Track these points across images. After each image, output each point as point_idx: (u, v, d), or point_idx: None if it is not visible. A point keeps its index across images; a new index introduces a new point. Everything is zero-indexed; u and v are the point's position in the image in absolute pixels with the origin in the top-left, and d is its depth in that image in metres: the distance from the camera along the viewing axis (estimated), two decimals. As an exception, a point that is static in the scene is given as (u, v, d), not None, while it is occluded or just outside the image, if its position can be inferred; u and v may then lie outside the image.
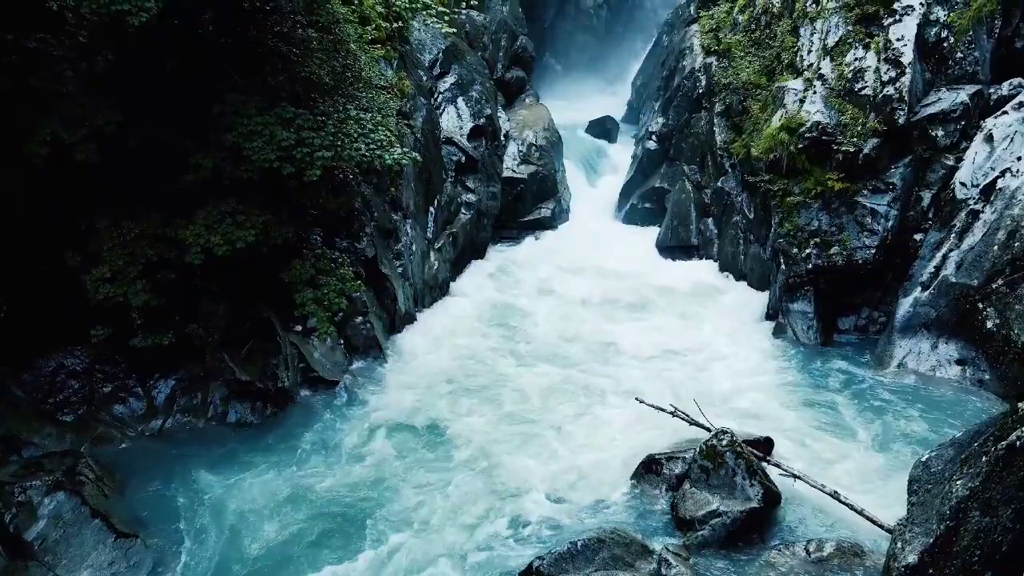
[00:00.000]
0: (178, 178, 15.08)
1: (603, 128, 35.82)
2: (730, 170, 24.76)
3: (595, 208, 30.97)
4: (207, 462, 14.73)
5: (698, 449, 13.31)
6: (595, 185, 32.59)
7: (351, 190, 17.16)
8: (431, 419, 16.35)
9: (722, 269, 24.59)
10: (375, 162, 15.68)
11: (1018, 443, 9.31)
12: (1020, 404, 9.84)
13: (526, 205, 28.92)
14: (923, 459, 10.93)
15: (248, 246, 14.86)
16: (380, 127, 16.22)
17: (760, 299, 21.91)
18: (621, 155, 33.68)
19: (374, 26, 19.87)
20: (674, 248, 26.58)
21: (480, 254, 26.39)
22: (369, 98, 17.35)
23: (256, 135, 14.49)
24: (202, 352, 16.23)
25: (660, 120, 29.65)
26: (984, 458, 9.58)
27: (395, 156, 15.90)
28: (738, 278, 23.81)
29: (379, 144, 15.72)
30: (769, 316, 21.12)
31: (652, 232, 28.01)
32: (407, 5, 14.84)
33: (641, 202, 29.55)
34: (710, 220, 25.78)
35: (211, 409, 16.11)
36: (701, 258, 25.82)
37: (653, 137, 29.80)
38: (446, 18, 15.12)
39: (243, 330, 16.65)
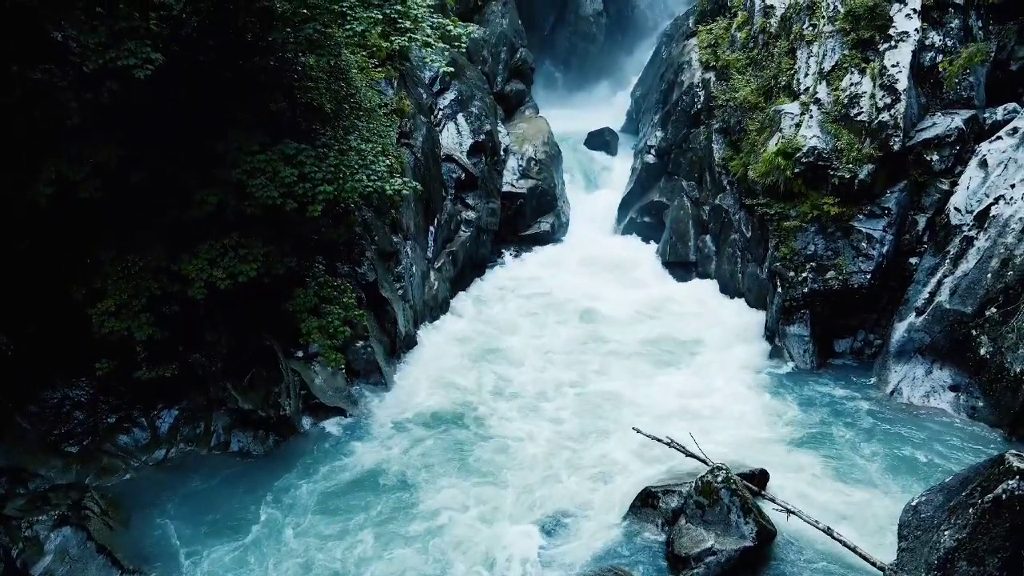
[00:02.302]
0: (182, 212, 15.27)
1: (602, 140, 35.92)
2: (728, 187, 24.88)
3: (594, 221, 31.11)
4: (210, 494, 14.93)
5: (694, 485, 13.50)
6: (594, 198, 32.65)
7: (352, 219, 17.35)
8: (423, 461, 16.20)
9: (720, 287, 24.73)
10: (376, 193, 15.88)
11: (1004, 496, 9.57)
12: (1008, 455, 10.06)
13: (526, 219, 29.10)
14: (913, 503, 11.15)
15: (250, 279, 15.09)
16: (380, 157, 16.42)
17: (757, 319, 22.04)
18: (620, 167, 33.73)
19: (375, 48, 20.08)
20: (672, 264, 26.77)
21: (480, 271, 26.56)
22: (370, 128, 17.57)
23: (259, 172, 14.70)
24: (205, 381, 16.45)
25: (659, 134, 29.78)
26: (971, 510, 9.82)
27: (396, 187, 16.11)
28: (736, 296, 23.94)
29: (380, 175, 15.92)
30: (766, 337, 21.28)
31: (651, 247, 28.23)
32: (406, 44, 15.00)
33: (640, 216, 29.72)
34: (708, 237, 25.93)
35: (214, 438, 16.32)
36: (700, 275, 25.95)
37: (652, 151, 29.93)
38: (446, 53, 15.22)
39: (245, 358, 16.86)
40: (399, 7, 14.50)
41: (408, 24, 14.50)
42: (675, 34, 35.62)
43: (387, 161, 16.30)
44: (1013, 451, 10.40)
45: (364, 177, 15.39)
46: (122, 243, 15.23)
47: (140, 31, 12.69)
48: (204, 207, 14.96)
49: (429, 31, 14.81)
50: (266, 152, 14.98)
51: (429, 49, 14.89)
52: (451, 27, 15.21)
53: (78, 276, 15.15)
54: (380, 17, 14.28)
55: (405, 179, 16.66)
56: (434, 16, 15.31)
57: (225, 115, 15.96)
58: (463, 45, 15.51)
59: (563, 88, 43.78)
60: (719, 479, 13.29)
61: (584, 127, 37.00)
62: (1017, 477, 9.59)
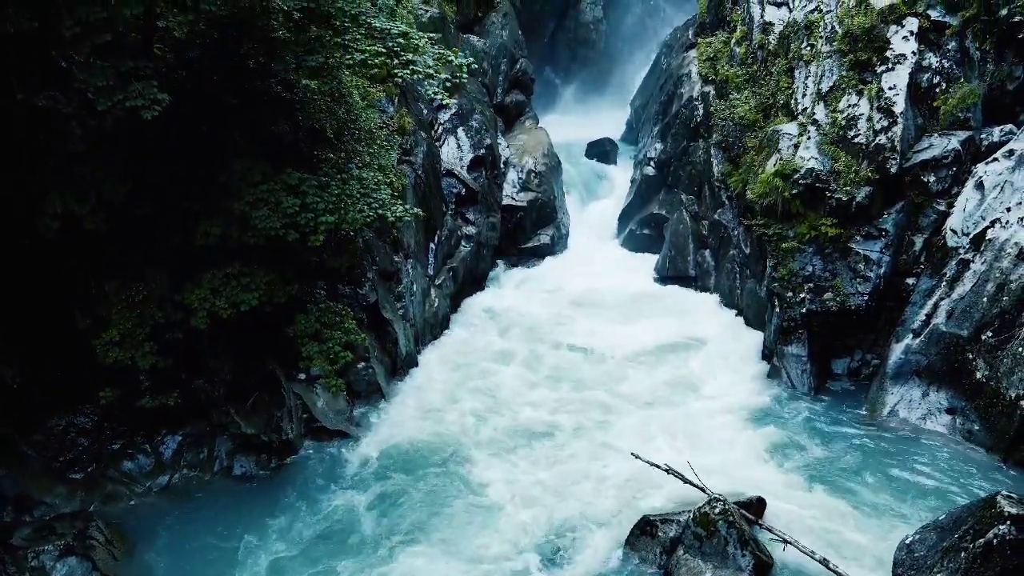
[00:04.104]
0: (185, 240, 15.42)
1: (602, 150, 36.08)
2: (727, 202, 25.04)
3: (594, 233, 31.30)
4: (213, 521, 15.08)
5: (692, 515, 13.67)
6: (594, 208, 32.84)
7: (354, 246, 17.51)
8: (420, 493, 16.09)
9: (720, 303, 24.89)
10: (377, 221, 16.05)
11: (995, 541, 9.74)
12: (999, 498, 10.22)
13: (526, 232, 29.23)
14: (907, 541, 11.33)
15: (252, 309, 15.25)
16: (382, 185, 16.55)
17: (756, 337, 22.13)
18: (620, 177, 33.88)
19: (375, 71, 20.16)
20: (671, 278, 26.98)
21: (480, 284, 26.70)
22: (370, 152, 17.73)
23: (262, 203, 14.83)
24: (208, 407, 16.60)
25: (658, 146, 29.92)
26: (963, 554, 9.99)
27: (398, 214, 16.25)
28: (734, 312, 24.11)
29: (381, 203, 16.04)
30: (764, 356, 21.42)
31: (650, 260, 28.36)
32: (408, 76, 15.15)
33: (640, 228, 29.91)
34: (707, 252, 26.11)
35: (217, 463, 16.48)
36: (699, 290, 26.15)
37: (651, 163, 30.09)
38: (448, 84, 15.38)
39: (248, 383, 17.01)
40: (401, 40, 14.64)
41: (410, 55, 14.65)
42: (675, 44, 35.71)
43: (388, 189, 16.42)
44: (1004, 492, 10.57)
45: (366, 207, 15.52)
46: (125, 270, 15.39)
47: (146, 71, 12.81)
48: (208, 237, 15.13)
49: (431, 62, 14.95)
50: (268, 182, 15.12)
51: (431, 80, 15.02)
52: (452, 58, 15.34)
53: (82, 305, 15.30)
54: (383, 50, 14.44)
55: (407, 206, 16.79)
56: (435, 47, 15.43)
57: (226, 134, 16.08)
58: (463, 76, 15.63)
59: (563, 95, 44.00)
60: (716, 510, 13.47)
61: (584, 135, 37.17)
62: (1008, 522, 9.76)
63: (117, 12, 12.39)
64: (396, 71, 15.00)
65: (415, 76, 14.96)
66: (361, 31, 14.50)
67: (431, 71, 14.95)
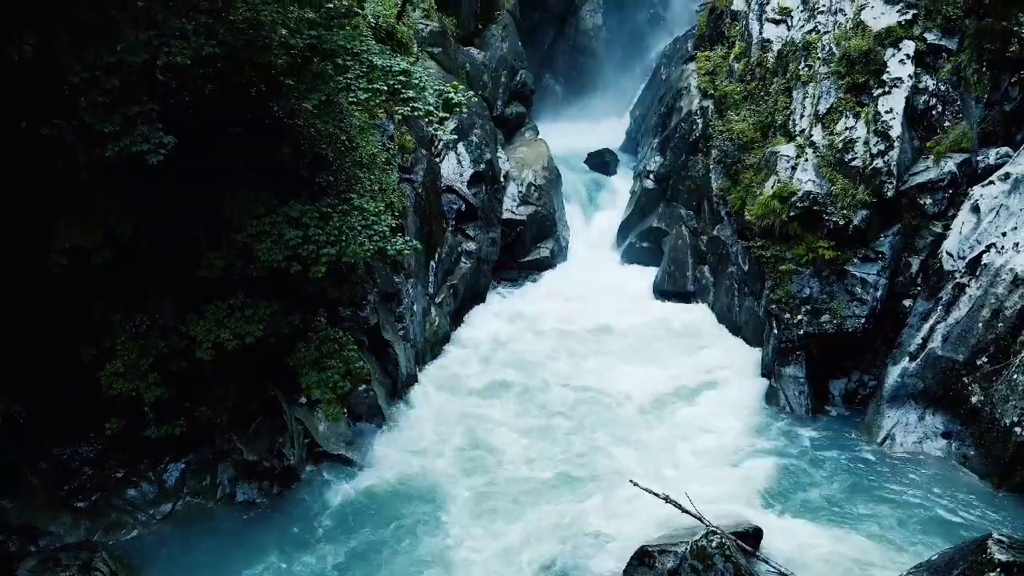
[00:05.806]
0: (189, 267, 15.56)
1: (602, 160, 36.15)
2: (726, 219, 25.17)
3: (594, 245, 31.42)
4: (216, 551, 15.25)
5: (689, 548, 13.79)
6: (594, 220, 32.89)
7: (356, 276, 17.66)
8: (397, 554, 15.73)
9: (717, 320, 25.05)
10: (377, 256, 16.20)
11: (986, 588, 9.91)
12: (990, 543, 10.39)
13: (525, 246, 29.36)
14: (900, 581, 11.49)
15: (256, 340, 15.42)
16: (382, 216, 16.70)
17: (754, 355, 22.33)
18: (620, 188, 33.95)
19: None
20: (671, 294, 27.10)
21: (480, 300, 26.83)
22: (371, 178, 17.89)
23: (265, 235, 15.00)
24: (211, 434, 16.77)
25: (658, 159, 30.03)
26: (955, 600, 10.16)
27: (397, 247, 16.41)
28: (732, 330, 24.27)
29: (382, 236, 16.19)
30: (763, 375, 21.57)
31: (650, 273, 28.46)
32: (409, 113, 15.31)
33: (639, 241, 30.02)
34: (706, 268, 26.26)
35: (220, 490, 16.64)
36: (698, 303, 26.29)
37: (651, 176, 30.21)
38: (447, 122, 15.56)
39: (250, 408, 17.17)
40: (402, 77, 14.79)
41: (411, 93, 14.79)
42: (674, 56, 35.89)
43: (388, 219, 16.57)
44: (996, 535, 10.73)
45: (366, 240, 15.67)
46: (130, 300, 15.55)
47: (151, 115, 12.95)
48: (211, 268, 15.30)
49: (431, 99, 15.09)
50: (271, 214, 15.28)
51: (431, 118, 15.18)
52: (452, 94, 15.49)
53: (87, 335, 15.46)
54: (384, 88, 14.58)
55: (407, 239, 16.97)
56: (436, 83, 15.60)
57: (229, 159, 16.16)
58: (463, 112, 15.77)
59: (563, 102, 43.87)
60: (713, 544, 13.60)
61: (583, 143, 37.14)
62: (999, 570, 9.93)
63: (122, 58, 12.54)
64: (397, 108, 15.12)
65: (415, 113, 15.10)
66: (363, 68, 14.65)
67: (431, 107, 15.09)
